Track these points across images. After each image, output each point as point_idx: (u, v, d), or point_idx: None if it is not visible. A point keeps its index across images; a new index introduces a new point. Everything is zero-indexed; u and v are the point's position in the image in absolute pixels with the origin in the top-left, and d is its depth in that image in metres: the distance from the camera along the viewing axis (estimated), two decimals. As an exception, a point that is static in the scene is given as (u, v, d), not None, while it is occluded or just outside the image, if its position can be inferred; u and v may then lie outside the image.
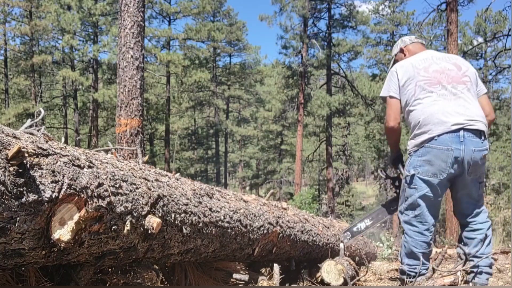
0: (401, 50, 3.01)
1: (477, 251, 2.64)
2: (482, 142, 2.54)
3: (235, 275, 2.74)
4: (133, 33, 5.81)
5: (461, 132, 2.50)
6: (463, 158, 2.50)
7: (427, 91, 2.63)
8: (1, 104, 25.83)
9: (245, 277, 2.74)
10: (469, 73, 2.72)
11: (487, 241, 2.67)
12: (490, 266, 2.67)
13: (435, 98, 2.60)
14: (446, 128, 2.51)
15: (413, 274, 2.63)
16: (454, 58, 2.83)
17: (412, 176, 2.62)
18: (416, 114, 2.63)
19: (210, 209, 2.12)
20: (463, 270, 2.63)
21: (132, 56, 5.81)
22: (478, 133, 2.53)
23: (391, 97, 2.77)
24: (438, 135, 2.52)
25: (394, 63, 3.02)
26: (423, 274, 2.62)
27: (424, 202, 2.61)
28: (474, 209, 2.71)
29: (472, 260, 2.64)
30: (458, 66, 2.73)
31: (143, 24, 6.02)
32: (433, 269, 2.54)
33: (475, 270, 2.62)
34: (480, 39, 24.87)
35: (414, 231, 2.64)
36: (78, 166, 1.34)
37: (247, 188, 34.23)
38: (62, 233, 1.24)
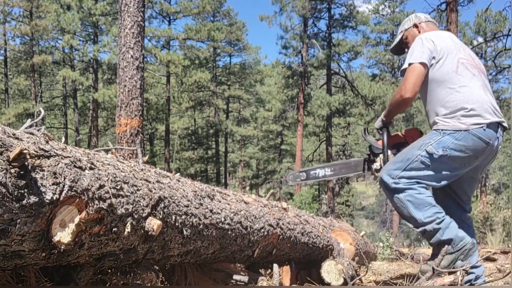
0: (415, 25, 2.67)
1: (477, 261, 2.51)
2: None
3: (234, 276, 2.74)
4: (133, 33, 5.81)
5: (499, 128, 2.38)
6: (494, 154, 2.41)
7: (470, 72, 2.40)
8: (1, 104, 25.83)
9: (245, 278, 2.73)
10: (483, 69, 2.57)
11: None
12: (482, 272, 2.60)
13: (479, 83, 2.39)
14: (494, 119, 2.35)
15: (439, 223, 2.32)
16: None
17: (440, 157, 2.31)
18: (462, 96, 2.34)
19: (211, 210, 2.12)
20: (463, 270, 2.61)
21: (132, 56, 5.81)
22: (504, 131, 2.46)
23: (421, 63, 2.36)
24: (487, 125, 2.31)
25: (402, 38, 2.73)
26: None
27: (429, 183, 2.38)
28: (469, 203, 2.59)
29: (473, 272, 2.51)
30: (477, 59, 2.55)
31: (143, 24, 6.02)
32: (433, 269, 2.53)
33: (472, 278, 2.53)
34: (480, 39, 24.93)
35: (417, 185, 2.34)
36: (80, 167, 1.34)
37: (247, 188, 34.22)
38: (63, 235, 1.24)
